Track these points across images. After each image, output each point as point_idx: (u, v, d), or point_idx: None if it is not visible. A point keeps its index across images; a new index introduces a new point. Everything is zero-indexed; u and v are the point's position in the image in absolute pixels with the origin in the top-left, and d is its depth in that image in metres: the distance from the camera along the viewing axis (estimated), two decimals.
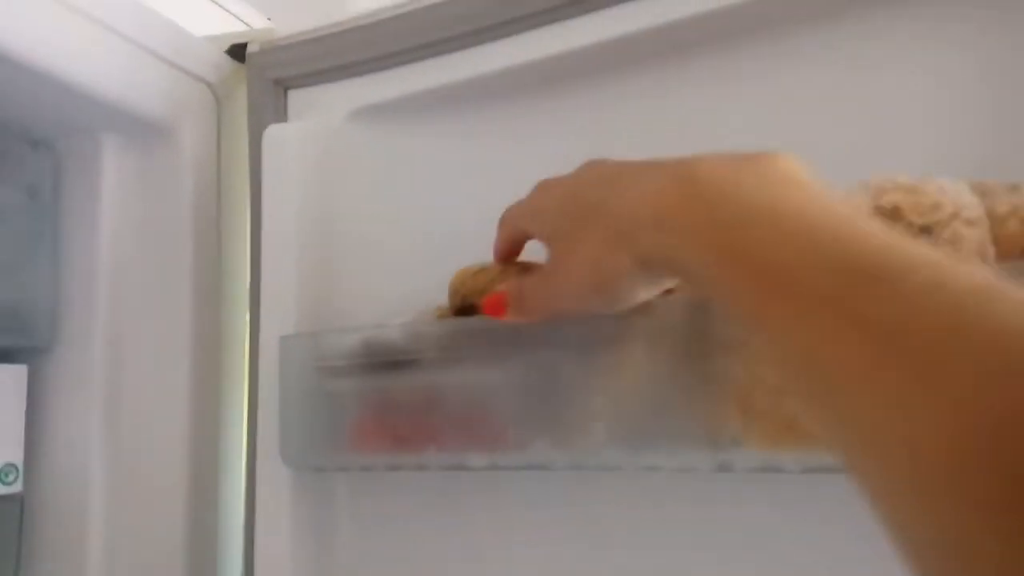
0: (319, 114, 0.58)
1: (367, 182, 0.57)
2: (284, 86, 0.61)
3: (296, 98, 0.60)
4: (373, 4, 0.58)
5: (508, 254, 0.43)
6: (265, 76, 0.61)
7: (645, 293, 0.35)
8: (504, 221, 0.43)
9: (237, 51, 0.64)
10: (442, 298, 0.50)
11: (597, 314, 0.37)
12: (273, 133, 0.56)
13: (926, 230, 0.35)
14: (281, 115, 0.60)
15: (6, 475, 0.56)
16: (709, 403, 0.38)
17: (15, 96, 0.55)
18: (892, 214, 0.36)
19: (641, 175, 0.32)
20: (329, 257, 0.55)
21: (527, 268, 0.43)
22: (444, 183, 0.56)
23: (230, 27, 0.68)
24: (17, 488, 0.56)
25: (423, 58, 0.56)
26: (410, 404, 0.46)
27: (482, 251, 0.48)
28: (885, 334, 0.23)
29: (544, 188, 0.39)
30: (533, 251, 0.41)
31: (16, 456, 0.56)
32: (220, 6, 1.30)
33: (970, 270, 0.23)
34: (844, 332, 0.24)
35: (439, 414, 0.45)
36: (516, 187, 0.53)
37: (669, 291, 0.39)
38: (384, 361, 0.47)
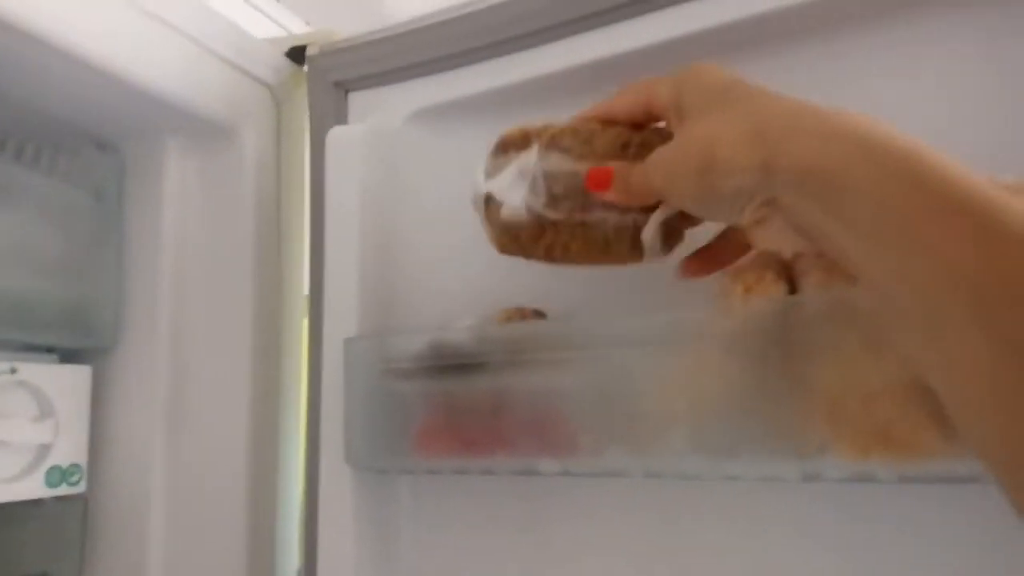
0: (379, 116, 0.58)
1: (428, 183, 0.57)
2: (344, 88, 0.61)
3: (356, 100, 0.60)
4: (413, 10, 0.58)
5: (623, 113, 0.40)
6: (326, 78, 0.61)
7: (737, 215, 0.33)
8: (634, 84, 0.40)
9: (296, 53, 0.65)
10: (507, 300, 0.50)
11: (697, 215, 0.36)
12: (337, 135, 0.56)
13: None
14: (342, 117, 0.60)
15: (71, 475, 0.56)
16: (795, 409, 0.36)
17: (83, 98, 0.55)
18: None
19: (801, 101, 0.32)
20: (391, 259, 0.55)
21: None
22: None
23: (270, 32, 0.68)
24: (81, 488, 0.57)
25: (482, 59, 0.55)
26: (478, 408, 0.45)
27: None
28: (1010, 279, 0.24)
29: (695, 69, 0.36)
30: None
31: (80, 456, 0.57)
32: (261, 11, 1.31)
33: None
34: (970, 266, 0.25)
35: (508, 418, 0.44)
36: None
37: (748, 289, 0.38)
38: (451, 364, 0.46)
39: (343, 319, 0.53)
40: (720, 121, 0.33)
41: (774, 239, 0.33)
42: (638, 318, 0.41)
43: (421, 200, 0.57)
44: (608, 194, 0.39)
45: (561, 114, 0.54)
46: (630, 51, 0.51)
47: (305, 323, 0.60)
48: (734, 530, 0.45)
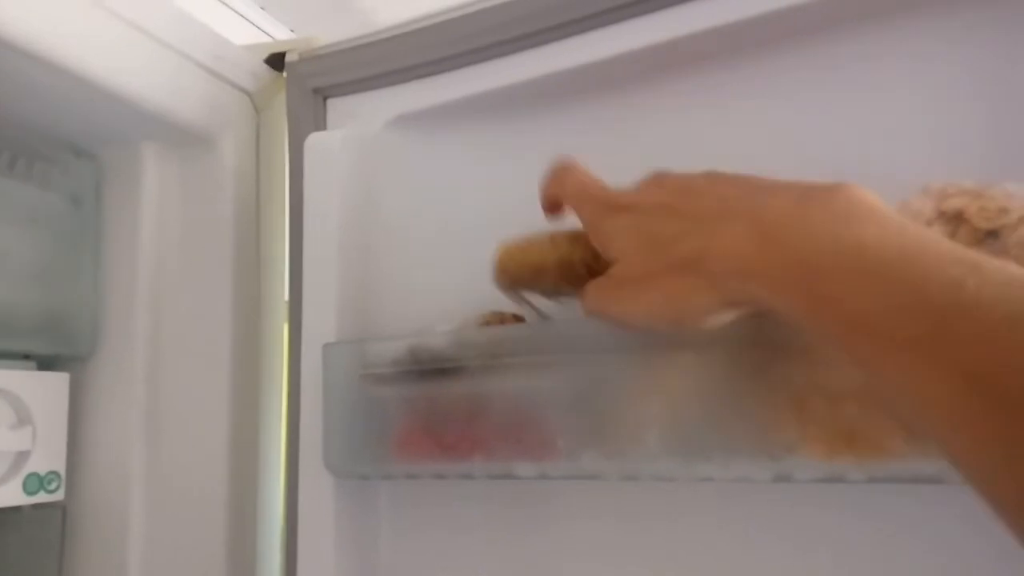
0: (358, 122, 0.58)
1: (407, 190, 0.57)
2: (323, 95, 0.61)
3: (335, 107, 0.61)
4: (398, 18, 0.58)
5: (555, 204, 0.43)
6: (305, 85, 0.61)
7: (722, 320, 0.34)
8: (573, 186, 0.41)
9: (275, 60, 0.65)
10: (485, 305, 0.50)
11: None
12: (315, 141, 0.56)
13: (992, 234, 0.35)
14: (320, 123, 0.60)
15: (49, 483, 0.56)
16: (765, 411, 0.37)
17: (59, 104, 0.55)
18: (955, 218, 0.35)
19: (720, 219, 0.32)
20: (370, 265, 0.55)
21: (577, 239, 0.42)
22: (484, 190, 0.56)
23: (255, 39, 0.68)
24: (59, 496, 0.57)
25: (461, 66, 0.56)
26: (456, 412, 0.46)
27: None
28: (974, 377, 0.23)
29: (621, 201, 0.38)
30: None
31: (58, 464, 0.57)
32: (246, 18, 1.31)
33: None
34: (934, 375, 0.24)
35: (486, 422, 0.44)
36: None
37: None
38: (430, 369, 0.47)
39: (322, 325, 0.53)
40: (668, 276, 0.34)
41: None
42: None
43: (400, 206, 0.57)
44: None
45: (538, 119, 0.55)
46: (609, 57, 0.51)
47: (285, 329, 0.60)
48: (712, 532, 0.45)
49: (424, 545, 0.53)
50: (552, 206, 0.43)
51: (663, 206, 0.35)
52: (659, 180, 0.37)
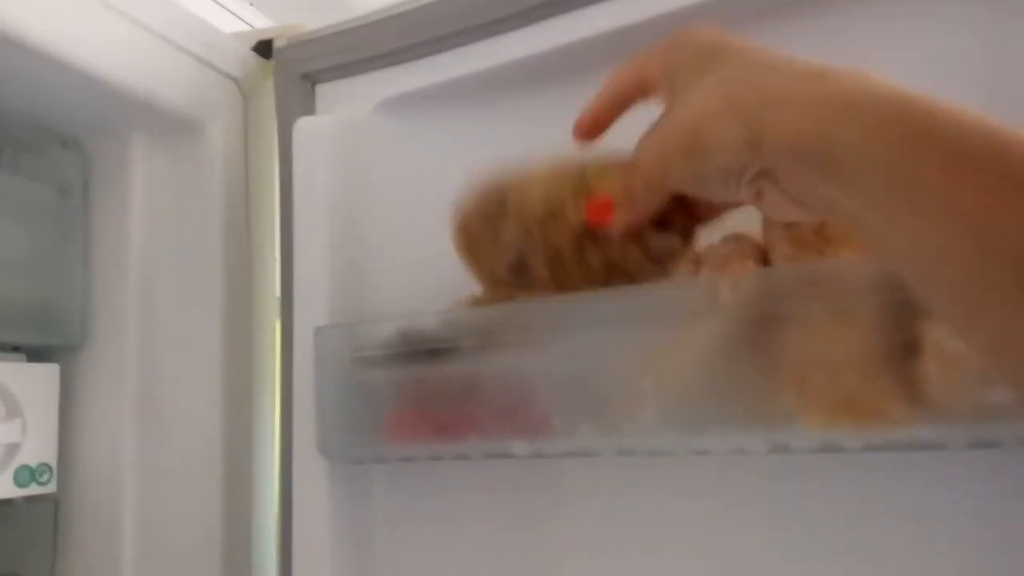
0: (347, 107, 0.58)
1: (397, 172, 0.57)
2: (312, 80, 0.60)
3: (324, 92, 0.60)
4: (378, 3, 0.58)
5: (605, 113, 0.37)
6: (293, 71, 0.61)
7: (734, 192, 0.31)
8: (626, 62, 0.36)
9: (263, 47, 0.64)
10: (475, 286, 0.49)
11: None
12: (304, 125, 0.56)
13: None
14: (309, 109, 0.60)
15: (40, 475, 0.55)
16: (763, 381, 0.37)
17: (47, 93, 0.55)
18: None
19: (792, 63, 0.29)
20: (361, 248, 0.55)
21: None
22: (472, 170, 0.55)
23: (236, 28, 0.68)
24: (51, 488, 0.56)
25: (449, 47, 0.55)
26: (450, 393, 0.45)
27: None
28: None
29: (679, 37, 0.33)
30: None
31: (50, 456, 0.56)
32: (228, 10, 1.30)
33: None
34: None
35: (480, 402, 0.44)
36: None
37: (720, 266, 0.38)
38: (421, 350, 0.46)
39: (313, 309, 0.52)
40: (700, 95, 0.30)
41: (777, 210, 0.31)
42: (606, 297, 0.41)
43: (390, 189, 0.56)
44: (615, 221, 0.35)
45: (524, 100, 0.55)
46: (597, 35, 0.51)
47: (277, 315, 0.59)
48: (712, 507, 0.45)
49: (420, 528, 0.53)
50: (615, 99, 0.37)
51: (743, 46, 0.31)
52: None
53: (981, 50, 0.42)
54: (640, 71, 0.35)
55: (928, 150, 0.24)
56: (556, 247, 0.37)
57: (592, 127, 0.38)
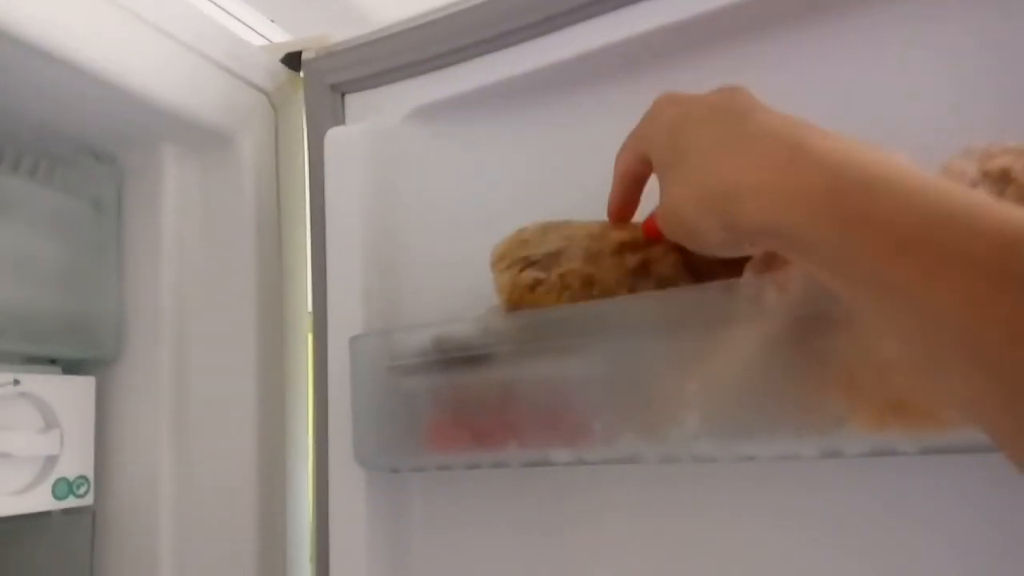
0: (377, 117, 0.58)
1: (428, 181, 0.57)
2: (341, 91, 0.61)
3: (353, 102, 0.60)
4: (395, 14, 0.58)
5: (626, 197, 0.42)
6: (322, 82, 0.61)
7: (726, 252, 0.35)
8: (619, 155, 0.41)
9: (292, 59, 0.65)
10: None
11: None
12: (335, 135, 0.56)
13: None
14: (339, 119, 0.60)
15: (77, 487, 0.55)
16: (810, 384, 0.36)
17: (80, 107, 0.55)
18: (1001, 177, 0.34)
19: (745, 140, 0.31)
20: (393, 256, 0.55)
21: (588, 281, 0.42)
22: (504, 178, 0.55)
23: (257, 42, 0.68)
24: (88, 501, 0.56)
25: (477, 55, 0.55)
26: (488, 400, 0.45)
27: None
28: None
29: (649, 119, 0.38)
30: None
31: (87, 468, 0.56)
32: (250, 27, 1.31)
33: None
34: (990, 291, 0.23)
35: (519, 409, 0.44)
36: (576, 179, 0.53)
37: (763, 267, 0.37)
38: (457, 357, 0.46)
39: (348, 319, 0.52)
40: (677, 182, 0.34)
41: None
42: (647, 300, 0.41)
43: (421, 197, 0.56)
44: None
45: (554, 106, 0.54)
46: (623, 40, 0.51)
47: (310, 325, 0.60)
48: (756, 517, 0.44)
49: (458, 539, 0.52)
50: (625, 197, 0.42)
51: (703, 116, 0.34)
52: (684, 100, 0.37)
53: (986, 47, 0.42)
54: (634, 151, 0.39)
55: (861, 230, 0.26)
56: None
57: (622, 213, 0.43)
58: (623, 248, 0.42)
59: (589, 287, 0.42)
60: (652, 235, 0.40)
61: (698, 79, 0.50)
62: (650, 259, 0.42)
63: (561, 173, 0.54)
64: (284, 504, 0.58)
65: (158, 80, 0.55)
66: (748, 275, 0.39)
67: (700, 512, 0.46)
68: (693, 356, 0.39)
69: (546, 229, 0.45)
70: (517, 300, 0.43)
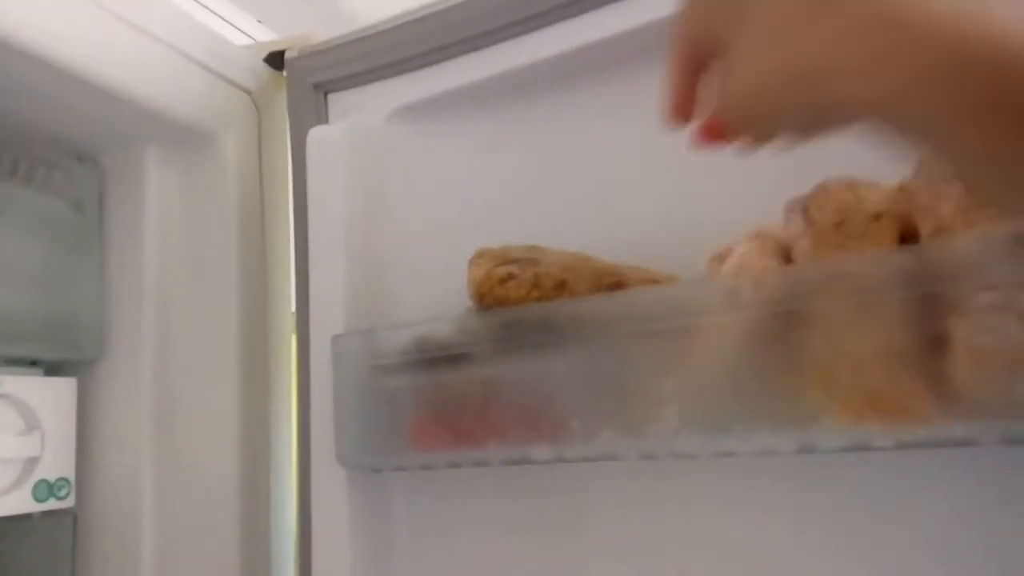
0: (360, 115, 0.58)
1: (411, 179, 0.57)
2: (324, 90, 0.61)
3: (336, 101, 0.60)
4: (383, 14, 0.58)
5: (686, 87, 0.34)
6: (305, 81, 0.61)
7: (800, 139, 0.30)
8: (674, 33, 0.33)
9: (275, 59, 0.65)
10: None
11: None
12: (317, 135, 0.56)
13: None
14: (322, 118, 0.60)
15: (59, 489, 0.55)
16: (787, 379, 0.36)
17: (62, 108, 0.55)
18: None
19: (834, 9, 0.26)
20: (377, 256, 0.54)
21: (560, 285, 0.42)
22: (486, 176, 0.55)
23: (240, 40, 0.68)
24: (70, 502, 0.56)
25: (461, 54, 0.55)
26: (468, 398, 0.45)
27: (526, 241, 0.48)
28: None
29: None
30: None
31: (68, 470, 0.56)
32: (226, 20, 1.30)
33: None
34: None
35: (499, 407, 0.44)
36: (560, 178, 0.53)
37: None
38: (439, 357, 0.46)
39: (330, 318, 0.52)
40: (751, 61, 0.29)
41: None
42: (625, 296, 0.41)
43: (405, 195, 0.56)
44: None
45: (537, 105, 0.54)
46: (606, 38, 0.51)
47: (294, 325, 0.59)
48: (735, 513, 0.44)
49: (440, 536, 0.52)
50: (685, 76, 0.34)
51: None
52: None
53: None
54: (692, 31, 0.33)
55: (995, 112, 0.22)
56: None
57: (682, 109, 0.35)
58: (601, 273, 0.42)
59: (560, 290, 0.42)
60: (714, 136, 0.33)
61: None
62: (623, 283, 0.43)
63: (546, 172, 0.54)
64: (268, 505, 0.58)
65: (139, 80, 0.54)
66: (726, 271, 0.39)
67: (683, 508, 0.46)
68: (671, 353, 0.39)
69: (532, 247, 0.46)
70: (486, 291, 0.43)
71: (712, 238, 0.42)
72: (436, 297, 0.53)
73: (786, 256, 0.38)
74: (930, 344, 0.34)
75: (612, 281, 0.43)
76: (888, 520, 0.39)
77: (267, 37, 1.31)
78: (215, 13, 1.17)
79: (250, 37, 1.29)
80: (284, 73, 0.63)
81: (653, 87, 0.50)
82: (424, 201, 0.56)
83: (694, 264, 0.43)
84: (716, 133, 0.32)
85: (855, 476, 0.40)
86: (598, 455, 0.41)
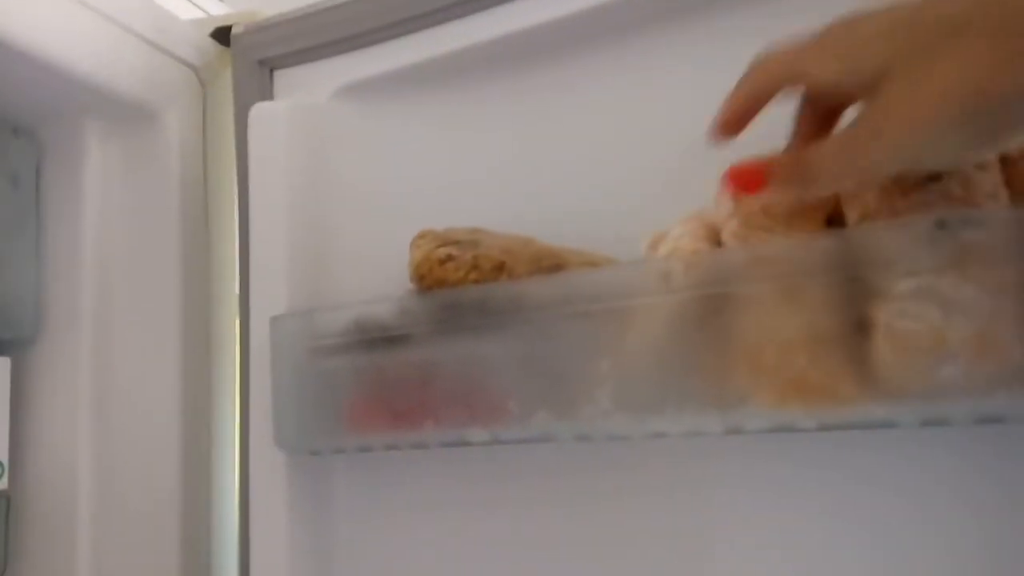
0: (304, 93, 0.57)
1: (357, 159, 0.56)
2: (269, 66, 0.59)
3: (282, 78, 0.59)
4: None
5: (746, 111, 0.35)
6: (250, 57, 0.60)
7: (978, 149, 0.30)
8: (759, 66, 0.34)
9: (221, 34, 0.63)
10: None
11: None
12: (259, 112, 0.55)
13: (935, 177, 0.34)
14: (267, 95, 0.59)
15: None
16: (715, 361, 0.36)
17: None
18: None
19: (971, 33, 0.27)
20: (319, 236, 0.54)
21: (499, 267, 0.42)
22: (432, 157, 0.55)
23: (194, 15, 0.66)
24: (3, 485, 0.55)
25: (407, 32, 0.55)
26: (406, 380, 0.44)
27: (471, 223, 0.47)
28: None
29: (845, 24, 0.31)
30: None
31: (1, 452, 0.55)
32: (192, 2, 1.28)
33: None
34: None
35: (436, 389, 0.43)
36: (506, 160, 0.53)
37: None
38: (377, 338, 0.46)
39: (271, 298, 0.51)
40: (953, 60, 0.27)
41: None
42: (559, 279, 0.41)
43: (350, 176, 0.56)
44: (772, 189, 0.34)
45: (483, 86, 0.54)
46: (553, 20, 0.50)
47: (237, 305, 0.58)
48: (663, 488, 0.44)
49: (381, 518, 0.52)
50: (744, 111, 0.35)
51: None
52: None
53: None
54: (786, 67, 0.33)
55: None
56: None
57: (737, 123, 0.35)
58: (540, 255, 0.42)
59: (499, 273, 0.42)
60: (748, 189, 0.34)
61: (629, 62, 0.50)
62: (562, 266, 0.43)
63: (492, 153, 0.53)
64: (209, 490, 0.57)
65: (78, 53, 0.53)
66: (658, 254, 0.39)
67: (625, 489, 0.46)
68: (605, 335, 0.39)
69: (475, 230, 0.45)
70: (425, 272, 0.43)
71: (655, 223, 0.42)
72: (381, 278, 0.52)
73: (718, 240, 0.39)
74: (854, 328, 0.34)
75: (551, 264, 0.42)
76: (813, 499, 0.40)
77: (223, 12, 1.28)
78: None
79: (204, 11, 1.26)
80: (230, 49, 0.62)
81: (601, 71, 0.51)
82: (369, 181, 0.55)
83: (637, 249, 0.43)
84: (753, 184, 0.34)
85: (782, 455, 0.41)
86: (534, 437, 0.41)
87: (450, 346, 0.43)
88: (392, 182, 0.55)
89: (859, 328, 0.34)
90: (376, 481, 0.52)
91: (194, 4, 1.22)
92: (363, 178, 0.55)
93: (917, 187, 0.34)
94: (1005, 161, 0.34)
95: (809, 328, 0.35)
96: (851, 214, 0.35)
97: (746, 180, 0.34)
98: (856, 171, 0.32)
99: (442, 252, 0.43)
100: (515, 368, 0.41)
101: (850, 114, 0.33)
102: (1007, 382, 0.31)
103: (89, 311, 0.58)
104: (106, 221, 0.59)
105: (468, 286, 0.43)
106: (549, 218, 0.47)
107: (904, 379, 0.33)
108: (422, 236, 0.46)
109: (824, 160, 0.32)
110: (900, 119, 0.29)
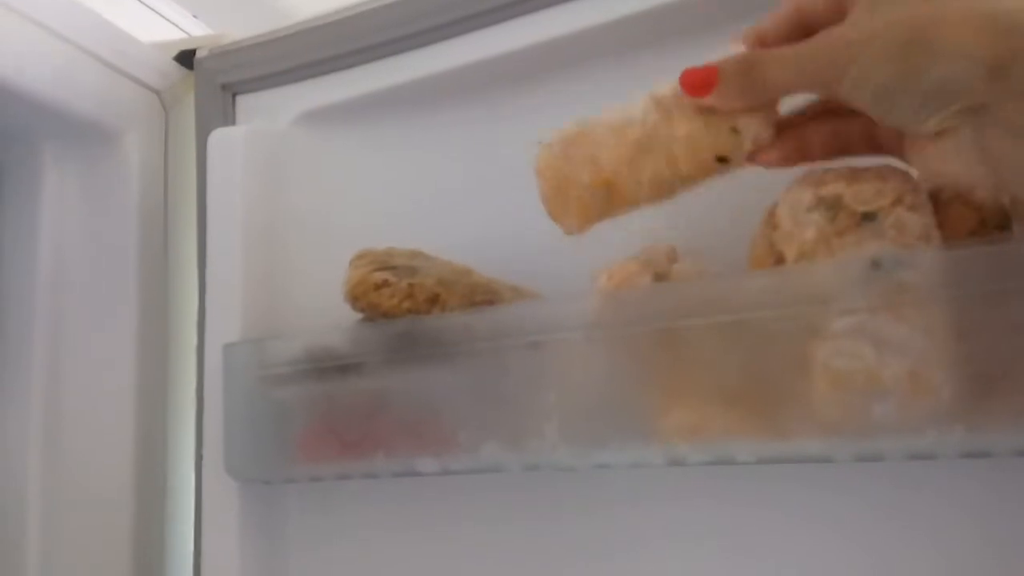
0: (265, 119, 0.57)
1: (316, 186, 0.56)
2: (232, 91, 0.60)
3: (244, 103, 0.59)
4: (313, 12, 0.58)
5: (782, 28, 0.33)
6: (213, 81, 0.60)
7: (921, 119, 0.29)
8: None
9: (185, 57, 0.63)
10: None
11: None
12: (218, 137, 0.55)
13: (869, 217, 0.35)
14: (230, 120, 0.59)
15: None
16: (654, 396, 0.37)
17: None
18: (834, 203, 0.36)
19: None
20: (276, 263, 0.54)
21: (434, 299, 0.42)
22: (392, 186, 0.55)
23: (172, 36, 0.66)
24: None
25: (370, 60, 0.55)
26: (356, 410, 0.45)
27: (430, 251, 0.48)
28: None
29: None
30: None
31: None
32: (160, 15, 1.28)
33: None
34: None
35: (386, 419, 0.43)
36: (465, 189, 0.53)
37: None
38: (328, 367, 0.46)
39: (226, 325, 0.51)
40: (939, 2, 0.27)
41: (948, 160, 0.30)
42: (507, 310, 0.41)
43: (309, 202, 0.56)
44: (709, 98, 0.33)
45: (442, 115, 0.54)
46: (516, 50, 0.51)
47: (195, 332, 0.58)
48: (614, 518, 0.45)
49: (333, 549, 0.52)
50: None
51: None
52: None
53: None
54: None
55: None
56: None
57: (765, 38, 0.34)
58: (475, 289, 0.43)
59: (432, 304, 0.42)
60: (692, 90, 0.33)
61: (602, 88, 0.50)
62: (495, 301, 0.44)
63: (447, 181, 0.54)
64: (163, 516, 0.57)
65: (32, 73, 0.53)
66: (607, 285, 0.39)
67: (575, 518, 0.46)
68: (550, 368, 0.39)
69: (415, 254, 0.46)
70: (359, 294, 0.43)
71: (600, 256, 0.42)
72: (337, 305, 0.52)
73: (663, 275, 0.39)
74: (792, 365, 0.35)
75: (484, 299, 0.43)
76: (757, 533, 0.41)
77: (202, 33, 1.28)
78: (148, 6, 1.14)
79: (185, 32, 1.26)
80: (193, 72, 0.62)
81: (552, 103, 0.51)
82: (327, 208, 0.55)
83: (583, 282, 0.43)
84: (702, 86, 0.33)
85: (728, 488, 0.41)
86: (482, 467, 0.42)
87: (400, 376, 0.43)
88: (348, 208, 0.55)
89: (797, 365, 0.35)
90: (328, 509, 0.52)
91: (176, 26, 1.21)
92: (320, 204, 0.55)
93: (852, 227, 0.35)
94: (938, 204, 0.35)
95: (746, 364, 0.35)
96: (788, 252, 0.36)
97: (697, 81, 0.33)
98: (792, 86, 0.31)
99: (378, 277, 0.43)
100: (465, 399, 0.42)
101: None
102: (937, 421, 0.32)
103: (42, 333, 0.57)
104: (62, 244, 0.59)
105: (401, 315, 0.43)
106: (501, 249, 0.48)
107: (840, 416, 0.34)
108: (361, 256, 0.46)
109: (772, 65, 0.32)
110: (837, 43, 0.29)
